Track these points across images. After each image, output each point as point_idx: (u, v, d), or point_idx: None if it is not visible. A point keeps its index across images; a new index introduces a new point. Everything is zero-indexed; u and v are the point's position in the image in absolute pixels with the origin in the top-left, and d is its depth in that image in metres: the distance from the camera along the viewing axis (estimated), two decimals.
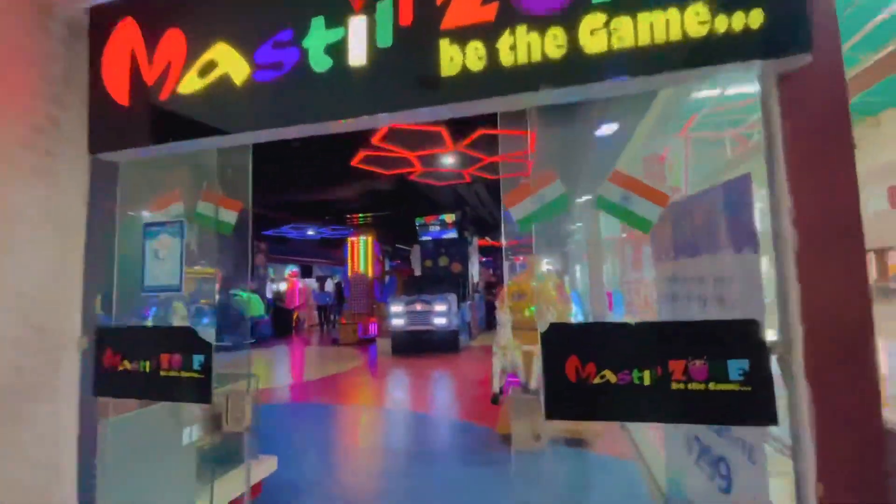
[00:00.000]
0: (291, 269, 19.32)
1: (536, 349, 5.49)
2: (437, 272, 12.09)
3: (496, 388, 4.53)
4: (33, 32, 1.58)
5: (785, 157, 1.12)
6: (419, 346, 10.34)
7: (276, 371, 9.27)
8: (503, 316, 4.70)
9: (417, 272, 13.63)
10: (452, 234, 12.13)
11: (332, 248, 17.52)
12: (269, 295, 18.13)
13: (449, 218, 12.02)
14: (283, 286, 18.91)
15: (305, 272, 28.71)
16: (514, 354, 4.68)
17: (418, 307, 10.13)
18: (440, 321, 9.98)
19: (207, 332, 1.60)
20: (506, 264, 10.02)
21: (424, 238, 12.46)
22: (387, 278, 15.33)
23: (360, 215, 11.53)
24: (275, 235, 15.03)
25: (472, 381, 7.45)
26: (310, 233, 13.93)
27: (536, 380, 4.59)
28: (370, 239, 13.37)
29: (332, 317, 15.16)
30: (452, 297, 10.18)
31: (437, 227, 12.27)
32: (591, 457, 4.20)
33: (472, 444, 4.64)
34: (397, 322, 10.30)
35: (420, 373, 8.32)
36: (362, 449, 4.56)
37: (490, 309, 15.55)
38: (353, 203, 10.35)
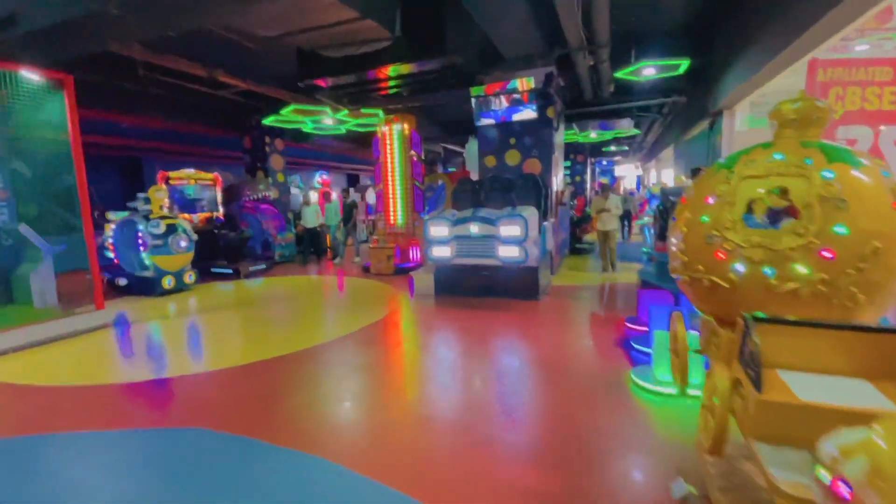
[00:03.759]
0: (321, 176, 15.91)
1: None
2: (503, 174, 7.92)
3: None
4: None
5: None
6: (475, 288, 6.64)
7: (255, 327, 6.05)
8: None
9: (475, 176, 9.54)
10: (529, 113, 7.67)
11: (364, 146, 13.63)
12: (296, 208, 15.07)
13: (524, 83, 7.47)
14: (313, 197, 15.69)
15: (352, 182, 25.45)
16: None
17: (474, 229, 6.22)
18: (510, 252, 6.06)
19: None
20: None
21: (484, 121, 8.11)
22: (439, 183, 11.39)
23: (370, 80, 7.22)
24: (287, 128, 11.30)
25: (580, 386, 3.64)
26: (327, 122, 10.05)
27: None
28: (406, 127, 9.25)
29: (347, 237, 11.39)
30: (532, 214, 6.12)
31: (504, 103, 7.83)
32: None
33: None
34: (441, 252, 6.53)
35: (470, 346, 4.68)
36: None
37: (575, 228, 11.34)
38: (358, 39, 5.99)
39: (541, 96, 7.55)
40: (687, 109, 9.50)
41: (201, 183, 10.63)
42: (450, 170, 17.83)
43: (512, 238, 5.95)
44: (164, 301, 7.48)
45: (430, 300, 6.76)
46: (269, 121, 9.89)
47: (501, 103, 7.86)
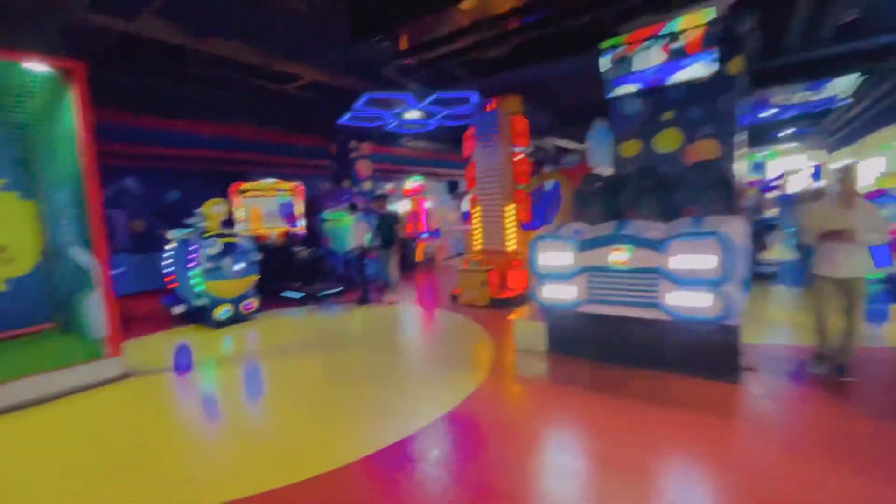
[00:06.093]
0: (416, 182, 14.28)
1: None
2: (653, 166, 5.18)
3: None
4: None
5: None
6: (617, 350, 4.03)
7: (276, 409, 4.21)
8: None
9: (603, 171, 6.82)
10: (700, 68, 4.83)
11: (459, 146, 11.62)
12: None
13: (692, 21, 4.67)
14: (403, 206, 14.11)
15: (452, 188, 23.62)
16: None
17: (618, 257, 3.66)
18: (692, 301, 3.36)
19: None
20: None
21: (622, 90, 5.44)
22: (547, 185, 8.85)
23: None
24: (368, 126, 9.74)
25: None
26: (411, 115, 8.24)
27: None
28: (508, 112, 6.94)
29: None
30: (735, 231, 3.36)
31: (658, 57, 5.10)
32: None
33: None
34: (559, 292, 4.06)
35: None
36: None
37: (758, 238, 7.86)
38: None
39: (725, 39, 4.67)
40: None
41: (282, 194, 9.56)
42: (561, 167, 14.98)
43: (697, 275, 3.25)
44: (211, 337, 6.17)
45: (541, 366, 4.30)
46: (344, 118, 8.36)
47: (651, 59, 5.13)
